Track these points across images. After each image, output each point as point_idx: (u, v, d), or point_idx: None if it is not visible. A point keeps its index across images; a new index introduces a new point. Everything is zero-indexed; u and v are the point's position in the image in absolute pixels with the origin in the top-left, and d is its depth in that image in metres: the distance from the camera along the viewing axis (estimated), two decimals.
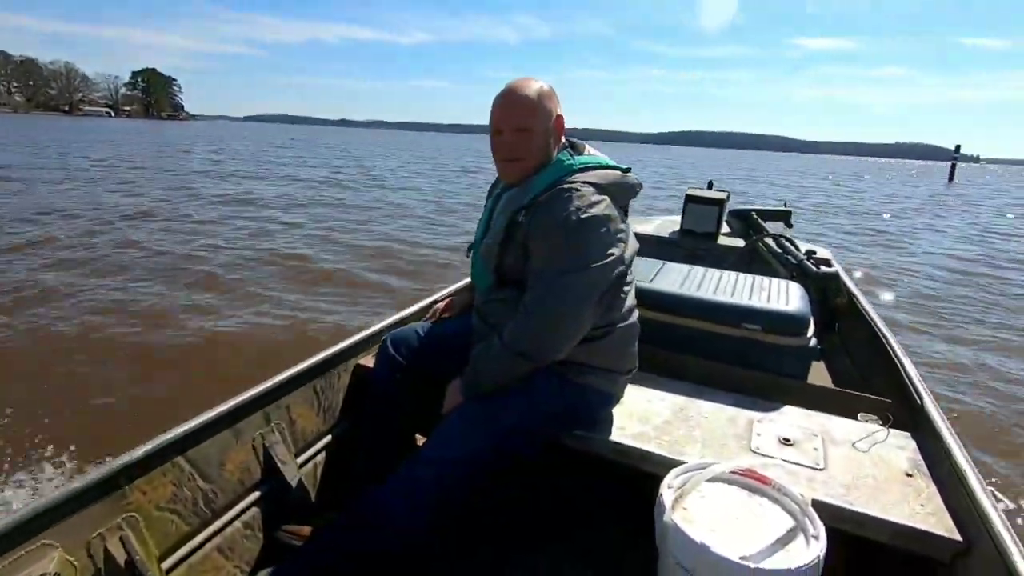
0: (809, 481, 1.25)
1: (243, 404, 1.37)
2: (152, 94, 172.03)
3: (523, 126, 1.28)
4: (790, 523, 1.01)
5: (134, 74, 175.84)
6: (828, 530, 0.97)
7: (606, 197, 1.27)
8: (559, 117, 1.33)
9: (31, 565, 0.94)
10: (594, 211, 1.22)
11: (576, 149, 1.37)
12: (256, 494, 1.39)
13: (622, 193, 1.35)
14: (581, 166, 1.30)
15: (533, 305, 1.23)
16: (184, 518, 1.21)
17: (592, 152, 1.38)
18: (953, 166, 41.63)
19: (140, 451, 1.14)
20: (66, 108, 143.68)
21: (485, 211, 1.49)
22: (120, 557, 1.05)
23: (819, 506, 1.09)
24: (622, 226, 1.31)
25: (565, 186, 1.25)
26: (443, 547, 1.43)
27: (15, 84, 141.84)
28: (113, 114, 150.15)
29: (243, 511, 1.35)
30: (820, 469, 1.30)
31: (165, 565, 1.15)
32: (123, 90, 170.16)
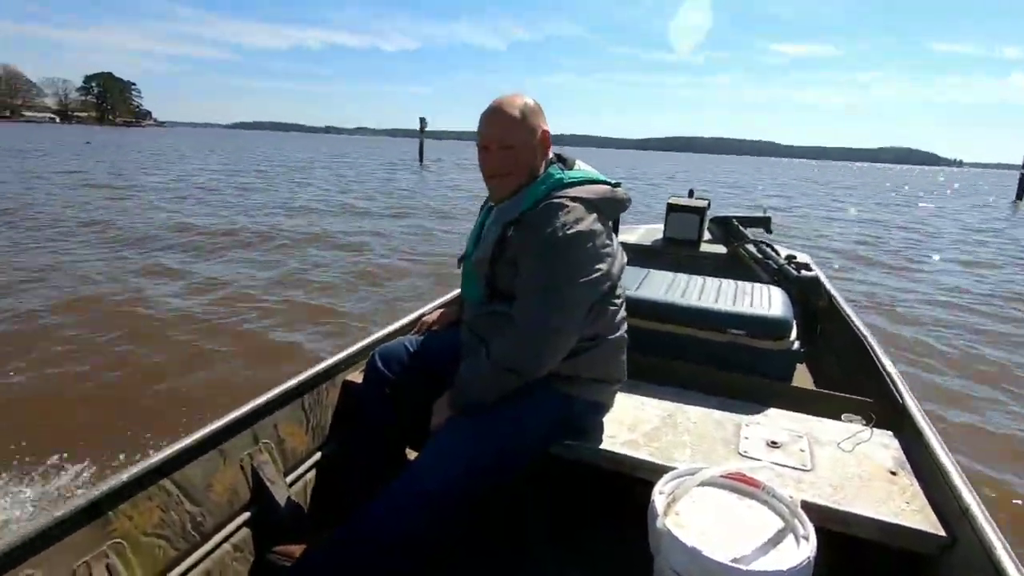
0: (797, 482, 1.27)
1: (230, 424, 1.35)
2: (108, 99, 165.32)
3: (508, 143, 1.30)
4: (780, 525, 1.02)
5: (87, 78, 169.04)
6: (817, 530, 0.99)
7: (594, 212, 1.29)
8: (545, 132, 1.34)
9: None
10: (581, 227, 1.23)
11: (566, 163, 1.38)
12: (246, 515, 1.37)
13: (611, 208, 1.37)
14: (570, 180, 1.31)
15: (519, 320, 1.24)
16: (172, 542, 1.19)
17: (582, 166, 1.40)
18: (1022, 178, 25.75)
19: (124, 475, 1.12)
20: (7, 114, 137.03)
21: (476, 224, 1.50)
22: None
23: (808, 507, 1.10)
24: (609, 241, 1.33)
25: (554, 201, 1.26)
26: (436, 561, 1.42)
27: None
28: (58, 120, 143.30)
29: (232, 533, 1.33)
30: (807, 470, 1.32)
31: None
32: (74, 94, 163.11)
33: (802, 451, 1.40)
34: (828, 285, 2.71)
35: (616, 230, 1.43)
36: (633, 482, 1.36)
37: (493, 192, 1.39)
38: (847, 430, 1.51)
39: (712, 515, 1.04)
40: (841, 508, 1.18)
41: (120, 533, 1.09)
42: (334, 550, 1.22)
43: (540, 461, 1.40)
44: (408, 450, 1.72)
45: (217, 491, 1.31)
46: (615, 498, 1.51)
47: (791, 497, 1.06)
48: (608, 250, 1.31)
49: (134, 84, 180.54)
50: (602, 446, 1.40)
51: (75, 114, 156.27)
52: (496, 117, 1.31)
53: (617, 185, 1.40)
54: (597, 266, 1.26)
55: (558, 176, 1.32)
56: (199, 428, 1.29)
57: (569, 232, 1.22)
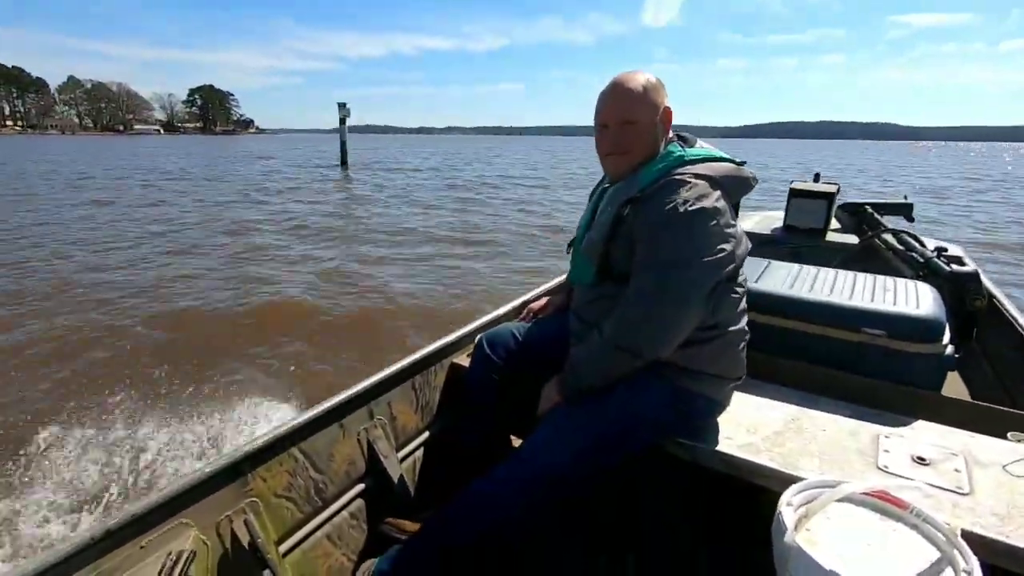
0: (953, 507, 1.11)
1: (348, 399, 1.43)
2: (209, 110, 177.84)
3: (629, 118, 1.26)
4: (934, 555, 0.89)
5: (191, 91, 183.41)
6: (981, 566, 0.85)
7: (718, 190, 1.21)
8: (667, 109, 1.28)
9: (171, 542, 1.03)
10: (704, 203, 1.16)
11: (687, 142, 1.31)
12: (361, 486, 1.45)
13: (735, 187, 1.28)
14: (692, 158, 1.24)
15: (636, 297, 1.18)
16: (298, 505, 1.29)
17: (703, 145, 1.32)
18: None
19: (260, 440, 1.22)
20: (120, 128, 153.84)
21: (587, 210, 1.47)
22: (244, 539, 1.13)
23: (968, 536, 0.96)
24: (733, 222, 1.24)
25: (675, 178, 1.20)
26: (537, 546, 1.42)
27: (83, 107, 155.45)
28: (162, 131, 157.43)
29: (349, 502, 1.41)
30: (965, 494, 1.15)
31: (282, 549, 1.23)
32: (180, 106, 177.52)
33: (957, 471, 1.22)
34: (988, 282, 2.35)
35: (736, 212, 1.33)
36: (750, 490, 1.26)
37: (610, 170, 1.36)
38: (1016, 451, 1.30)
39: (850, 535, 0.93)
40: (1011, 542, 1.02)
41: (256, 492, 1.20)
42: (437, 528, 1.25)
43: (650, 458, 1.34)
44: (513, 436, 1.73)
45: (337, 461, 1.40)
46: (728, 506, 1.42)
47: (948, 524, 0.93)
48: (732, 231, 1.22)
49: (232, 95, 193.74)
50: (718, 447, 1.32)
51: (181, 125, 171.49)
52: (617, 93, 1.27)
53: (742, 164, 1.30)
54: (721, 245, 1.17)
55: (678, 154, 1.25)
56: (321, 402, 1.38)
57: (692, 208, 1.15)
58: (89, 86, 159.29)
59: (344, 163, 27.15)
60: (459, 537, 1.22)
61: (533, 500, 1.21)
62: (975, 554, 0.87)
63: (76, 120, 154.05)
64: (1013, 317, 2.03)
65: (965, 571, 0.85)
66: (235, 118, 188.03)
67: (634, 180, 1.27)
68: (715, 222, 1.17)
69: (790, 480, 1.09)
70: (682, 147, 1.28)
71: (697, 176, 1.20)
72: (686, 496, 1.53)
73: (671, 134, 1.32)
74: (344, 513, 1.39)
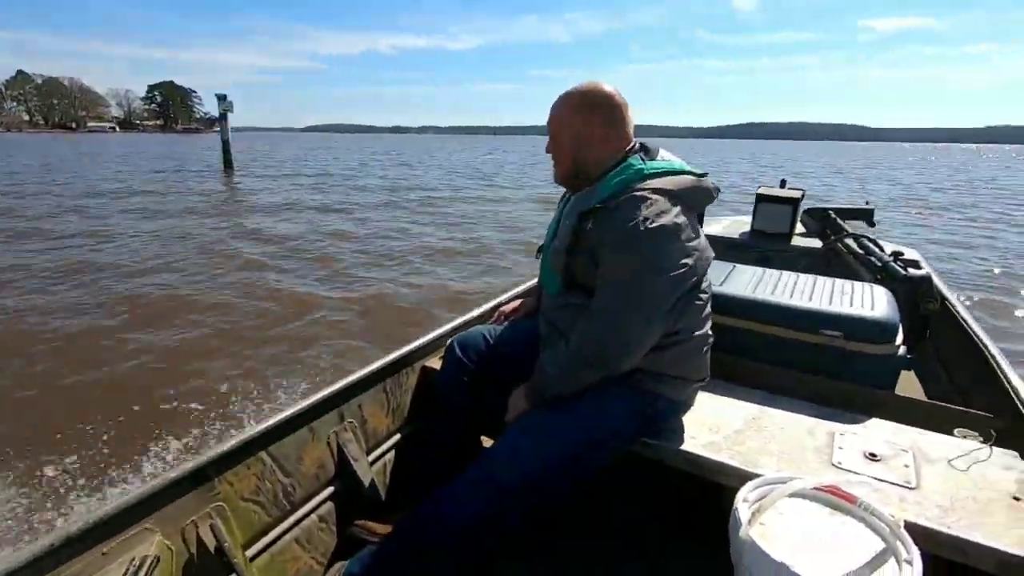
0: (900, 500, 1.17)
1: (319, 402, 1.43)
2: (169, 107, 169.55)
3: (551, 130, 1.36)
4: (879, 546, 0.94)
5: (150, 87, 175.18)
6: (923, 556, 0.90)
7: (678, 205, 1.23)
8: (596, 130, 1.31)
9: (135, 548, 1.02)
10: (664, 220, 1.19)
11: (649, 153, 1.33)
12: (331, 489, 1.45)
13: (696, 199, 1.31)
14: (651, 171, 1.26)
15: (600, 313, 1.21)
16: (266, 509, 1.28)
17: (666, 156, 1.34)
18: None
19: (227, 444, 1.21)
20: (73, 125, 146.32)
21: (555, 215, 1.50)
22: (210, 543, 1.12)
23: (912, 528, 1.01)
24: (694, 234, 1.27)
25: (635, 194, 1.22)
26: (505, 552, 1.44)
27: (33, 103, 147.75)
28: (118, 129, 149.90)
29: (319, 505, 1.41)
30: (912, 488, 1.21)
31: (249, 553, 1.22)
32: (138, 103, 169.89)
33: (906, 467, 1.28)
34: (941, 286, 2.45)
35: (701, 222, 1.37)
36: (713, 487, 1.30)
37: (555, 177, 1.43)
38: (961, 447, 1.36)
39: (802, 529, 0.98)
40: (952, 532, 1.07)
41: (222, 497, 1.19)
42: (408, 530, 1.26)
43: (618, 459, 1.38)
44: (484, 438, 1.75)
45: (306, 464, 1.40)
46: (693, 504, 1.46)
47: (893, 516, 0.98)
48: (694, 244, 1.25)
49: (195, 92, 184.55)
50: (682, 446, 1.36)
51: (140, 123, 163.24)
52: (553, 105, 1.36)
53: (703, 175, 1.34)
54: (683, 261, 1.21)
55: (637, 167, 1.27)
56: (291, 405, 1.38)
57: (652, 226, 1.17)
58: (39, 81, 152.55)
59: (228, 165, 23.38)
60: (429, 539, 1.23)
61: (502, 505, 1.23)
62: (918, 544, 0.92)
63: (26, 117, 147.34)
64: (963, 319, 2.13)
65: (906, 561, 0.89)
66: (198, 116, 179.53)
67: (593, 192, 1.29)
68: (676, 237, 1.20)
69: (749, 477, 1.13)
70: (643, 159, 1.30)
71: (656, 191, 1.22)
72: (653, 495, 1.57)
73: (635, 142, 1.34)
74: (313, 516, 1.39)
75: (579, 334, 1.24)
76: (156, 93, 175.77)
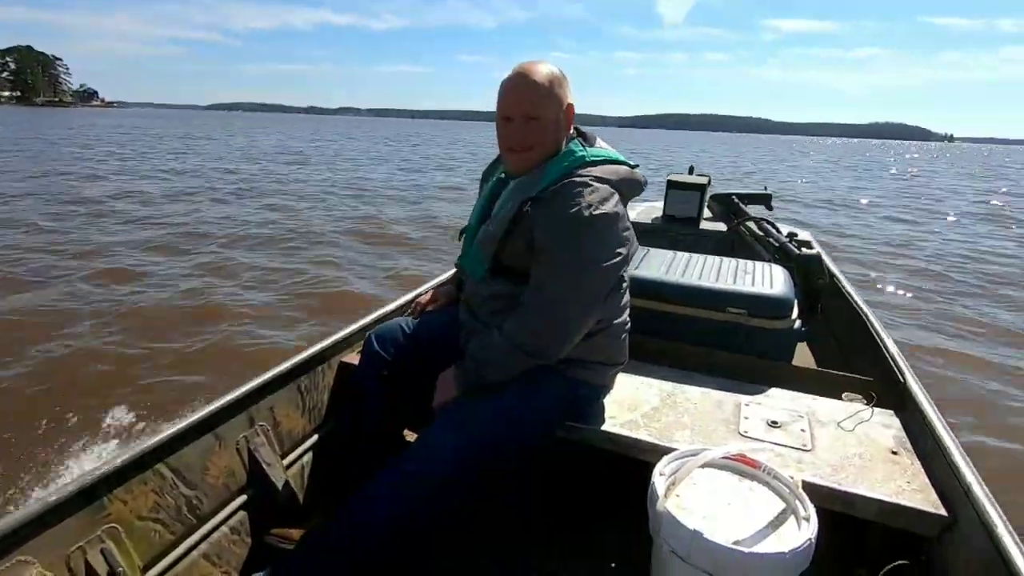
0: (798, 463, 1.26)
1: (225, 407, 1.34)
2: (28, 76, 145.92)
3: (533, 114, 1.23)
4: (781, 506, 1.01)
5: (1, 52, 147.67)
6: (818, 511, 0.98)
7: (616, 194, 1.24)
8: (570, 106, 1.27)
9: None
10: (606, 207, 1.19)
11: (587, 140, 1.32)
12: (242, 498, 1.36)
13: (630, 190, 1.32)
14: (592, 159, 1.26)
15: (538, 302, 1.20)
16: (168, 526, 1.18)
17: (602, 145, 1.34)
18: None
19: (119, 460, 1.10)
20: None
21: (482, 196, 1.45)
22: (102, 570, 1.02)
23: (808, 487, 1.10)
24: (628, 224, 1.29)
25: (577, 179, 1.21)
26: (435, 546, 1.42)
27: None
28: None
29: (229, 516, 1.32)
30: (808, 450, 1.31)
31: (150, 575, 1.12)
32: None
33: (803, 431, 1.39)
34: (830, 263, 2.68)
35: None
36: (633, 464, 1.35)
37: (511, 166, 1.33)
38: (848, 409, 1.50)
39: (713, 497, 1.03)
40: (842, 488, 1.18)
41: (115, 518, 1.08)
42: (332, 532, 1.21)
43: (542, 444, 1.39)
44: (407, 432, 1.71)
45: (213, 474, 1.30)
46: (616, 481, 1.51)
47: (792, 478, 1.05)
48: (628, 234, 1.27)
49: (60, 59, 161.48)
50: (603, 427, 1.39)
51: None
52: (522, 85, 1.23)
53: (635, 167, 1.35)
54: (618, 250, 1.22)
55: (580, 153, 1.26)
56: (194, 411, 1.28)
57: (595, 213, 1.17)
58: None
59: None
60: (343, 545, 1.18)
61: (431, 496, 1.20)
62: (813, 502, 1.00)
63: None
64: (849, 293, 2.34)
65: (804, 517, 0.97)
66: (65, 88, 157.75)
67: (535, 178, 1.26)
68: (614, 227, 1.21)
69: (666, 451, 1.18)
70: (583, 145, 1.29)
71: (598, 180, 1.22)
72: (579, 477, 1.61)
73: (571, 130, 1.33)
74: (224, 528, 1.30)
75: (516, 323, 1.23)
76: (7, 60, 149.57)
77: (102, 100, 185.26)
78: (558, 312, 1.20)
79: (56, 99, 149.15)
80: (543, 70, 1.23)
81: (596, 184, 1.21)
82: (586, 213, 1.17)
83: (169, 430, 1.21)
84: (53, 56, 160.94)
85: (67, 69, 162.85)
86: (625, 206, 1.31)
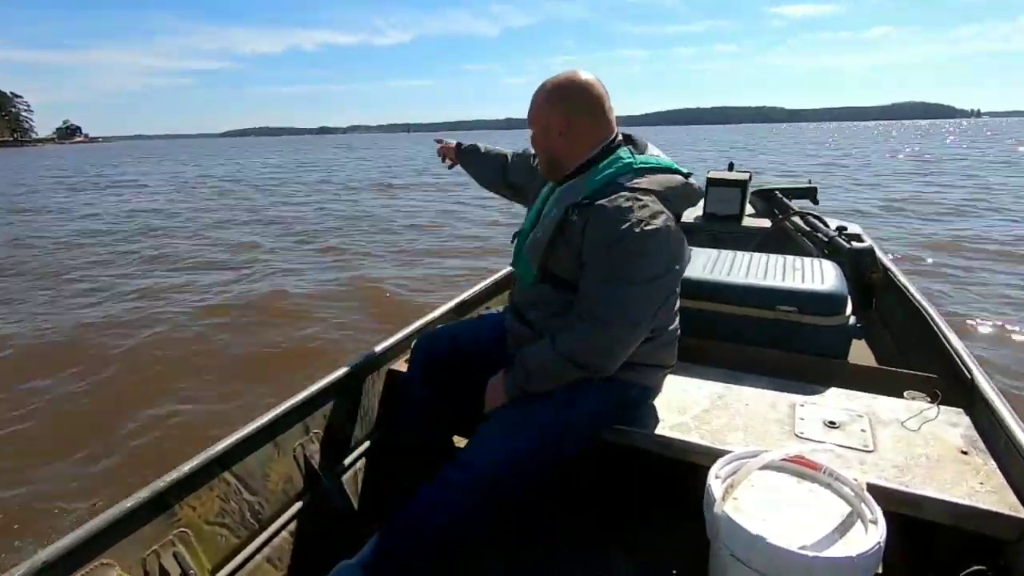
0: (860, 464, 1.22)
1: (282, 415, 1.38)
2: None
3: (531, 123, 1.32)
4: (846, 509, 0.98)
5: None
6: (885, 514, 0.94)
7: (665, 208, 1.21)
8: (565, 119, 1.26)
9: None
10: (657, 223, 1.16)
11: (637, 146, 1.31)
12: (300, 504, 1.40)
13: (683, 201, 1.29)
14: (640, 166, 1.24)
15: (590, 316, 1.19)
16: (233, 531, 1.23)
17: (654, 151, 1.32)
18: None
19: (186, 468, 1.16)
20: None
21: (538, 200, 1.45)
22: (175, 572, 1.07)
23: (873, 489, 1.06)
24: (682, 236, 1.26)
25: (625, 193, 1.19)
26: (487, 550, 1.43)
27: None
28: None
29: (289, 521, 1.37)
30: (870, 451, 1.26)
31: None
32: None
33: (863, 431, 1.34)
34: (883, 256, 2.58)
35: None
36: (685, 467, 1.33)
37: (541, 172, 1.42)
38: (911, 408, 1.44)
39: (772, 500, 1.01)
40: (909, 490, 1.13)
41: (185, 523, 1.14)
42: (385, 538, 1.23)
43: (591, 448, 1.38)
44: (456, 437, 1.73)
45: (273, 480, 1.35)
46: (666, 484, 1.49)
47: (855, 480, 1.02)
48: (679, 246, 1.25)
49: (20, 96, 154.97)
50: (653, 431, 1.38)
51: None
52: (532, 99, 1.31)
53: (689, 175, 1.31)
54: (674, 266, 1.22)
55: (627, 160, 1.24)
56: (253, 420, 1.33)
57: (646, 229, 1.15)
58: None
59: None
60: (408, 547, 1.20)
61: (483, 501, 1.21)
62: (879, 504, 0.96)
63: None
64: (904, 286, 2.24)
65: (871, 521, 0.93)
66: (27, 126, 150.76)
67: (579, 184, 1.26)
68: (667, 242, 1.19)
69: (718, 454, 1.15)
70: (632, 152, 1.28)
71: (648, 192, 1.20)
72: (628, 481, 1.59)
73: (618, 135, 1.31)
74: (284, 533, 1.35)
75: (570, 339, 1.22)
76: None
77: (85, 136, 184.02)
78: (610, 327, 1.18)
79: (12, 139, 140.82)
80: (548, 82, 1.28)
81: (644, 199, 1.18)
82: (637, 229, 1.14)
83: (231, 438, 1.26)
84: (12, 93, 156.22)
85: (28, 106, 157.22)
86: (679, 217, 1.28)
